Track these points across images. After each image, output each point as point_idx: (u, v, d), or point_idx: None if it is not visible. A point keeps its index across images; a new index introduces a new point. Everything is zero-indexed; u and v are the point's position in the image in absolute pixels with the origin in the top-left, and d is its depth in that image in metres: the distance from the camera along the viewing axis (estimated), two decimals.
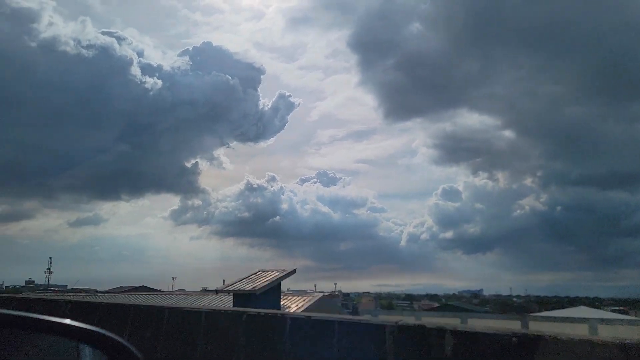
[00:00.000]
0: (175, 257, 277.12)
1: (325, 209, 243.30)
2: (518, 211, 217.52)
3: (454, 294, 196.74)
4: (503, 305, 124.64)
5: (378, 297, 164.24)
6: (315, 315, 5.75)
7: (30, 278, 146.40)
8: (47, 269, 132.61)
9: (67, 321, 1.99)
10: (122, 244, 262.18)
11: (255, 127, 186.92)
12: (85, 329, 2.01)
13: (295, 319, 5.65)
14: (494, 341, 4.17)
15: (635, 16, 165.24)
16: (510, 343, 4.03)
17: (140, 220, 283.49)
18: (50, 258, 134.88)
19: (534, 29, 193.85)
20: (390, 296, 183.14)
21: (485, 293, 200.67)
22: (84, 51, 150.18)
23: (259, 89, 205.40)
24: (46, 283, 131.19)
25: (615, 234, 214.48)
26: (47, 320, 1.96)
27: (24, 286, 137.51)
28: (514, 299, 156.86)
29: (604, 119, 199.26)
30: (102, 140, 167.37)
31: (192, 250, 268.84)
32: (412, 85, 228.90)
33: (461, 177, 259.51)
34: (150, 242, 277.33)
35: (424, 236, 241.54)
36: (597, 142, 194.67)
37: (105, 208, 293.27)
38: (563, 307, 71.36)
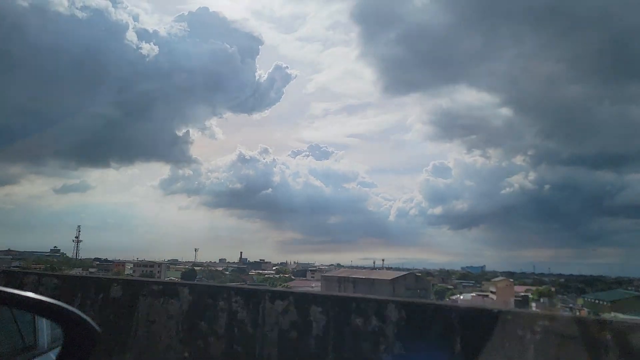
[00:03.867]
0: (162, 227, 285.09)
1: (317, 182, 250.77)
2: (507, 189, 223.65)
3: (458, 271, 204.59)
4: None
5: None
6: None
7: (55, 246, 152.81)
8: (75, 237, 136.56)
9: (23, 292, 1.92)
10: (109, 212, 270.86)
11: (252, 98, 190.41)
12: (41, 300, 1.90)
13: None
14: None
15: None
16: None
17: (129, 189, 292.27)
18: (79, 226, 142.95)
19: (539, 7, 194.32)
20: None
21: (488, 269, 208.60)
22: (78, 12, 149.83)
23: (256, 59, 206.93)
24: (75, 252, 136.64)
25: (598, 213, 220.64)
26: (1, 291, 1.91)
27: (49, 254, 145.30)
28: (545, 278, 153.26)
29: (600, 99, 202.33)
30: (93, 106, 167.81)
31: (180, 220, 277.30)
32: (412, 59, 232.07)
33: (453, 154, 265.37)
34: (137, 211, 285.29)
35: (412, 211, 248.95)
36: (591, 123, 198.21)
37: (93, 175, 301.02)
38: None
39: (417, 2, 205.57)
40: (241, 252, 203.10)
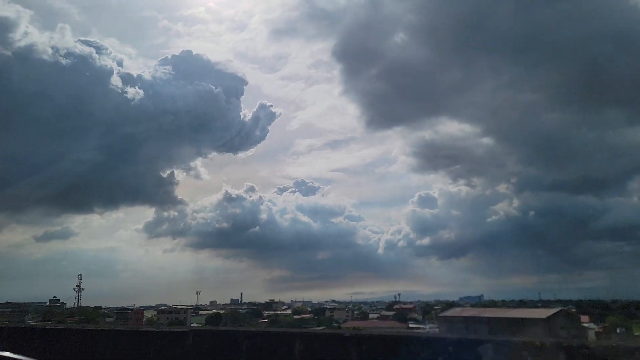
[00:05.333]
0: (146, 271, 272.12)
1: (304, 218, 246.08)
2: (493, 217, 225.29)
3: (453, 301, 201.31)
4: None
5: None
6: None
7: (55, 296, 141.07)
8: (77, 285, 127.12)
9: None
10: (91, 258, 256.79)
11: (238, 137, 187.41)
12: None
13: None
14: None
15: (610, 27, 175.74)
16: None
17: (113, 234, 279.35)
18: (80, 274, 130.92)
19: (514, 39, 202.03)
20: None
21: (486, 298, 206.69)
22: (62, 60, 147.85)
23: (241, 99, 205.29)
24: (75, 302, 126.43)
25: (582, 237, 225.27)
26: None
27: (48, 305, 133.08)
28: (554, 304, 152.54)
29: (578, 125, 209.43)
30: (77, 151, 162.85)
31: (165, 263, 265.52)
32: (394, 93, 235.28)
33: (438, 185, 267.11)
34: (121, 256, 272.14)
35: (401, 243, 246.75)
36: (570, 149, 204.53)
37: (76, 221, 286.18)
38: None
39: (396, 39, 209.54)
40: (242, 294, 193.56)
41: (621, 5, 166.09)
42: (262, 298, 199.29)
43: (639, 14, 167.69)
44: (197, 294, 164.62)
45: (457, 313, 63.09)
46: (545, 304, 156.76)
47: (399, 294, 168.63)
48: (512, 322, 52.25)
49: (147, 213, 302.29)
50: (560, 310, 58.94)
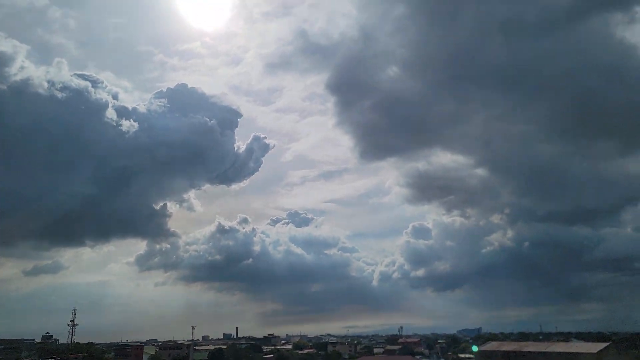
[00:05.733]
0: (137, 305, 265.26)
1: (298, 250, 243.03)
2: (487, 247, 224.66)
3: (453, 335, 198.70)
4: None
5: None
6: None
7: (48, 332, 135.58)
8: (71, 321, 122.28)
9: None
10: (81, 292, 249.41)
11: (232, 169, 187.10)
12: None
13: None
14: None
15: (598, 61, 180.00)
16: None
17: (103, 267, 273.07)
18: (75, 308, 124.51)
19: (506, 73, 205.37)
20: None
21: (485, 331, 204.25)
22: (57, 93, 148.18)
23: (235, 131, 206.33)
24: (69, 338, 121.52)
25: (577, 268, 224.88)
26: None
27: (40, 342, 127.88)
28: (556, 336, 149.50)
29: (570, 157, 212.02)
30: (70, 184, 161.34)
31: (156, 297, 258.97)
32: (388, 125, 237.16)
33: (432, 215, 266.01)
34: (111, 290, 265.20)
35: (395, 275, 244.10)
36: (563, 180, 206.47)
37: (67, 255, 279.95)
38: None
39: (389, 72, 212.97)
40: (237, 328, 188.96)
41: (608, 40, 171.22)
42: (256, 332, 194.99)
43: (625, 48, 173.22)
44: (192, 328, 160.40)
45: (496, 347, 59.94)
46: (547, 336, 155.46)
47: (402, 327, 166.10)
48: (560, 357, 49.80)
49: (139, 246, 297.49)
50: (610, 344, 55.88)
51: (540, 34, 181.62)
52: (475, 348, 68.82)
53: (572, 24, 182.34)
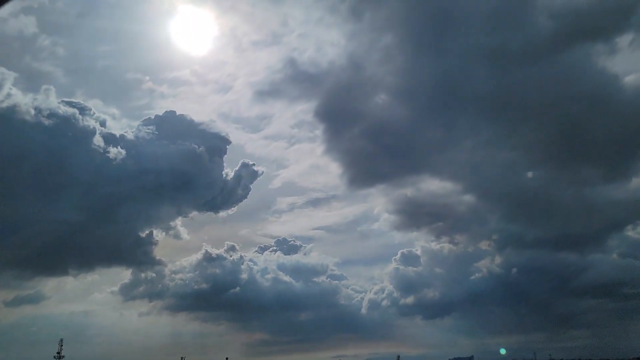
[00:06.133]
0: (120, 336, 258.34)
1: (286, 277, 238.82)
2: (476, 274, 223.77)
3: None
4: None
5: None
6: None
7: None
8: (57, 353, 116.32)
9: None
10: (63, 323, 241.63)
11: (220, 196, 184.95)
12: None
13: None
14: None
15: (582, 89, 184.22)
16: None
17: (87, 297, 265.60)
18: (61, 340, 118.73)
19: (492, 100, 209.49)
20: None
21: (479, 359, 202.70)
22: (44, 120, 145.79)
23: (224, 158, 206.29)
24: None
25: (565, 294, 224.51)
26: None
27: None
28: None
29: (556, 183, 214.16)
30: (55, 212, 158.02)
31: (140, 327, 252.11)
32: (376, 152, 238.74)
33: (420, 242, 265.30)
34: (94, 320, 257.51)
35: (384, 302, 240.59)
36: (550, 206, 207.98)
37: (49, 284, 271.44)
38: None
39: (377, 100, 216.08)
40: (227, 359, 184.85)
41: (591, 68, 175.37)
42: None
43: (606, 77, 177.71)
44: (182, 359, 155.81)
45: None
46: None
47: (399, 356, 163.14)
48: None
49: (124, 274, 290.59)
50: None
51: (525, 63, 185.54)
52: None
53: (556, 54, 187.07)
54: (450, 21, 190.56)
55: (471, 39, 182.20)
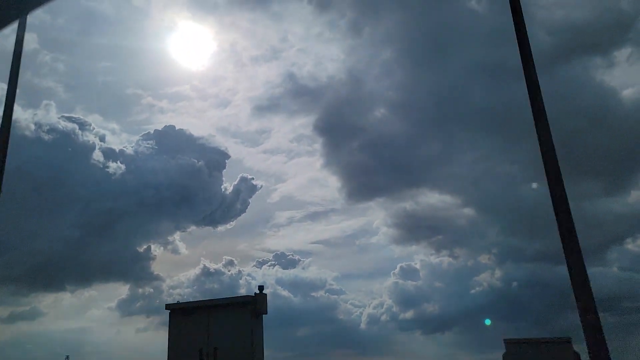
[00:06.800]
0: (117, 352, 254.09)
1: (284, 292, 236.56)
2: (476, 288, 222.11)
3: None
4: None
5: None
6: None
7: None
8: None
9: None
10: (59, 340, 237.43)
11: (219, 211, 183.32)
12: None
13: None
14: None
15: (581, 103, 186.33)
16: None
17: (84, 313, 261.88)
18: (67, 356, 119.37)
19: (492, 114, 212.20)
20: None
21: None
22: (44, 136, 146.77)
23: (223, 172, 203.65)
24: None
25: (564, 308, 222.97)
26: None
27: None
28: None
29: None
30: (52, 227, 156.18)
31: (138, 344, 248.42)
32: (375, 166, 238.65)
33: (420, 256, 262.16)
34: (91, 337, 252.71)
35: (384, 317, 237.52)
36: (549, 219, 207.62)
37: (45, 301, 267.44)
38: None
39: (377, 114, 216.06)
40: None
41: (589, 82, 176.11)
42: None
43: (604, 91, 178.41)
44: None
45: None
46: None
47: None
48: None
49: (121, 290, 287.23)
50: None
51: (523, 78, 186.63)
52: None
53: (554, 67, 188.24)
54: (450, 36, 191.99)
55: (471, 54, 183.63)
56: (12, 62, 10.13)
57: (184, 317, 16.92)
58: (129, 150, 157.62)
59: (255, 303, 15.86)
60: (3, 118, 9.61)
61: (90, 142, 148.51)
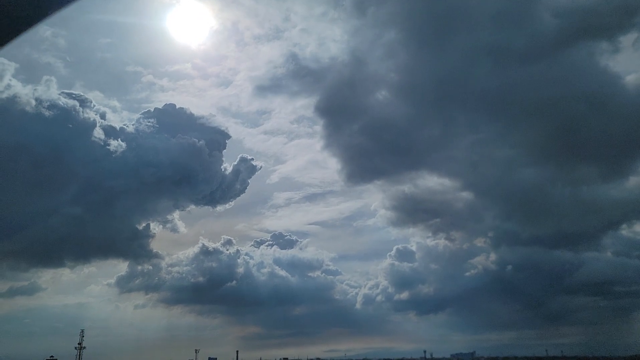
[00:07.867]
0: (115, 328, 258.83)
1: (282, 272, 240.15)
2: (471, 271, 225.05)
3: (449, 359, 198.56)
4: None
5: None
6: None
7: (52, 356, 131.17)
8: (79, 343, 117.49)
9: None
10: (57, 315, 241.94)
11: (219, 191, 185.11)
12: None
13: None
14: None
15: (582, 88, 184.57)
16: None
17: (83, 289, 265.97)
18: (82, 330, 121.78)
19: (492, 98, 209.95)
20: None
21: (479, 354, 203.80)
22: (45, 112, 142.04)
23: (223, 152, 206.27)
24: None
25: (558, 292, 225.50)
26: None
27: None
28: None
29: (553, 181, 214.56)
30: (53, 203, 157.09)
31: (136, 320, 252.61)
32: (375, 148, 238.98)
33: (416, 238, 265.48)
34: (89, 313, 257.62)
35: (379, 298, 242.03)
36: (546, 204, 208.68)
37: (45, 276, 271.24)
38: None
39: (378, 96, 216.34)
40: (237, 352, 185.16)
41: (592, 67, 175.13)
42: (233, 356, 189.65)
43: (608, 76, 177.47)
44: (196, 352, 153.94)
45: None
46: None
47: (425, 351, 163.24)
48: None
49: (121, 267, 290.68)
50: None
51: (526, 61, 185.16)
52: None
53: (558, 52, 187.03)
54: (454, 18, 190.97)
55: (475, 37, 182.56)
56: None
57: None
58: (130, 129, 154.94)
59: None
60: None
61: (91, 119, 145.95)
